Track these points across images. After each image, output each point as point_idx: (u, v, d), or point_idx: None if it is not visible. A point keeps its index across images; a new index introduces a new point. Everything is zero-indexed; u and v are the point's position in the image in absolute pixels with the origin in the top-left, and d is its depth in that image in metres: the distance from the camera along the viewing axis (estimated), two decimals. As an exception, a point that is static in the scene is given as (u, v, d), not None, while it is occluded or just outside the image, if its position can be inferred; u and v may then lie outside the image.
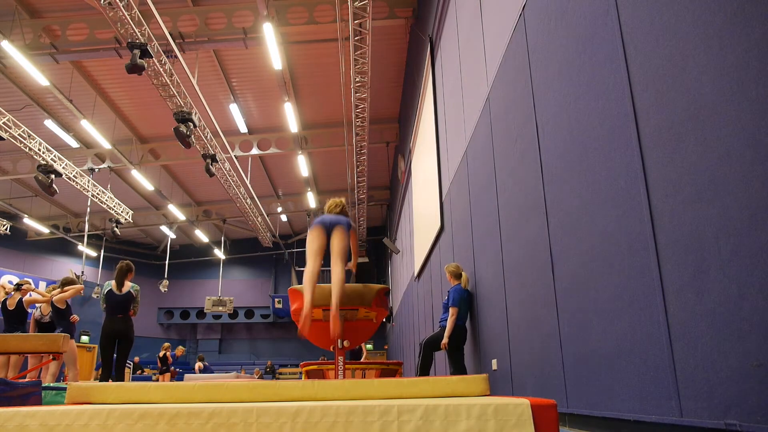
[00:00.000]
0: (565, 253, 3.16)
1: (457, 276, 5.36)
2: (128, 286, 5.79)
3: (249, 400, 2.00)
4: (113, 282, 5.81)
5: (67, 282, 6.47)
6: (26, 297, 6.68)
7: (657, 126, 2.20)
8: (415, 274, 10.70)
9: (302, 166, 16.15)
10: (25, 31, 10.48)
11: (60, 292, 6.26)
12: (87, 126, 13.00)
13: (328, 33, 11.10)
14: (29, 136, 12.46)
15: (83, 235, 18.08)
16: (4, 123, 11.70)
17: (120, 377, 5.79)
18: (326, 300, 4.03)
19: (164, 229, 21.51)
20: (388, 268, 20.52)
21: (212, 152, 12.95)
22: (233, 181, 14.90)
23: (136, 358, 18.87)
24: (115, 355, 5.69)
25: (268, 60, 11.17)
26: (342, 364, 4.17)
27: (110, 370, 5.60)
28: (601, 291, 2.68)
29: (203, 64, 12.23)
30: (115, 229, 17.15)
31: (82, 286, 6.81)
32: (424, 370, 5.19)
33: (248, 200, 16.52)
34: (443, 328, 5.14)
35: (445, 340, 4.98)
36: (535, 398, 1.75)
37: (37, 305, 6.78)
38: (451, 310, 5.03)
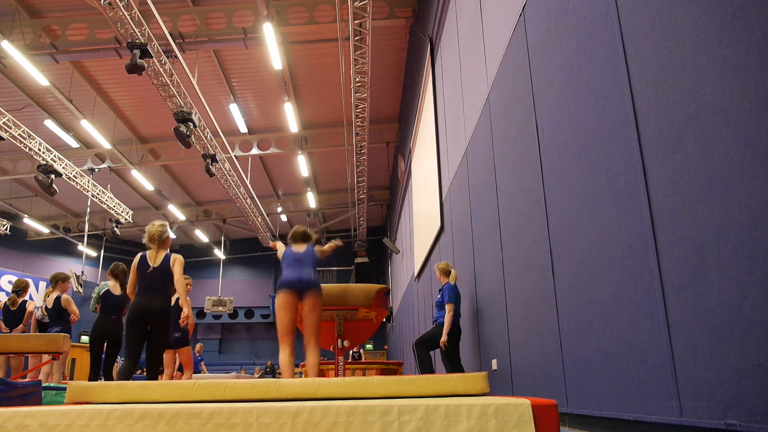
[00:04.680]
0: (565, 253, 3.16)
1: (447, 274, 5.36)
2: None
3: (250, 398, 1.99)
4: (110, 283, 5.79)
5: (57, 278, 6.40)
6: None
7: (657, 126, 2.20)
8: (415, 274, 10.70)
9: (302, 166, 16.15)
10: (25, 31, 10.48)
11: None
12: (87, 126, 13.00)
13: (328, 33, 11.10)
14: (29, 136, 12.46)
15: (83, 235, 18.07)
16: (4, 123, 11.70)
17: (109, 377, 5.78)
18: (326, 300, 4.04)
19: (164, 229, 21.48)
20: (388, 268, 20.52)
21: (212, 152, 12.95)
22: (233, 181, 14.90)
23: (136, 358, 18.84)
24: (104, 356, 5.67)
25: (268, 60, 11.17)
26: (342, 364, 4.17)
27: (99, 370, 5.58)
28: (601, 291, 2.68)
29: (203, 64, 12.23)
30: (115, 229, 17.15)
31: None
32: (424, 369, 5.14)
33: (248, 200, 16.52)
34: (440, 325, 5.11)
35: (444, 338, 4.96)
36: (535, 398, 1.75)
37: (38, 305, 6.76)
38: (447, 307, 5.02)
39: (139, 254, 4.34)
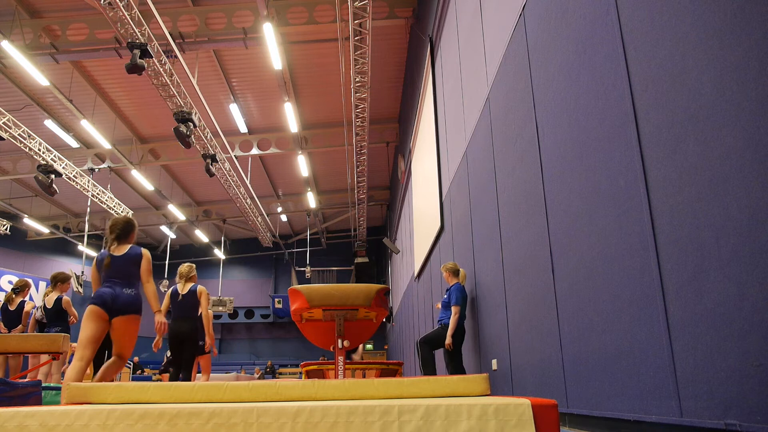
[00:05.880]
0: (565, 253, 3.16)
1: (456, 273, 5.34)
2: None
3: (249, 400, 1.99)
4: None
5: (57, 278, 6.40)
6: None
7: (657, 126, 2.20)
8: (415, 274, 10.70)
9: (302, 166, 16.16)
10: (25, 31, 10.48)
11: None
12: (87, 126, 13.00)
13: (328, 33, 11.11)
14: (29, 136, 12.46)
15: (83, 235, 18.08)
16: (4, 123, 11.70)
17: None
18: (326, 300, 4.03)
19: (164, 229, 21.51)
20: (388, 268, 20.52)
21: (212, 152, 12.95)
22: (233, 181, 14.90)
23: (136, 358, 18.85)
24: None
25: (268, 60, 11.18)
26: (342, 364, 4.17)
27: (94, 370, 5.64)
28: (601, 291, 2.68)
29: (203, 64, 12.23)
30: (115, 229, 17.11)
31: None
32: (427, 368, 5.14)
33: (248, 200, 16.52)
34: (444, 326, 5.11)
35: (448, 340, 4.95)
36: (535, 398, 1.75)
37: (38, 306, 6.76)
38: (453, 308, 5.01)
39: (173, 286, 5.80)
